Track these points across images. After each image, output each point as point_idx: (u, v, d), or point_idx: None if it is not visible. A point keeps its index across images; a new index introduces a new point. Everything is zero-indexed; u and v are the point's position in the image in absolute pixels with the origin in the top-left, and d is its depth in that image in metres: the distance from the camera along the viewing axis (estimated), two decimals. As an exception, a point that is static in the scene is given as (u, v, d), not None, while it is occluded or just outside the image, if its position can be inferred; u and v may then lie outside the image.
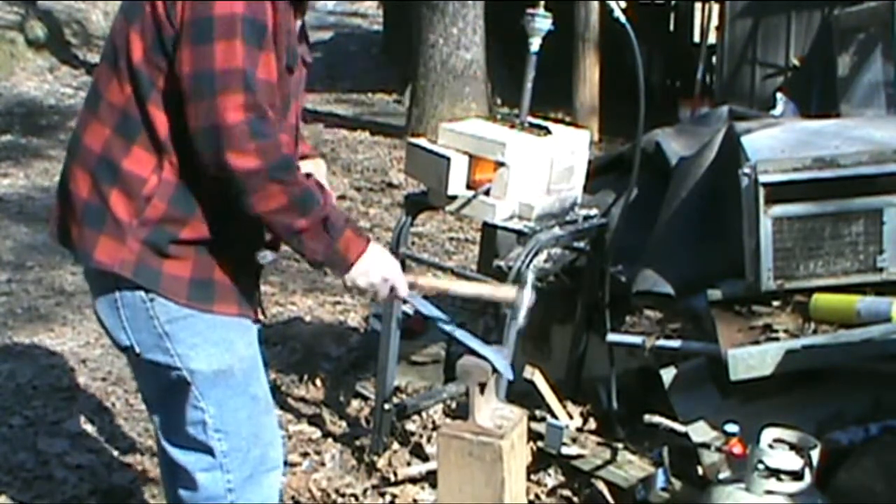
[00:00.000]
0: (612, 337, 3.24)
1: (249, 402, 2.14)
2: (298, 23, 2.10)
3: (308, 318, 4.81)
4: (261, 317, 2.23)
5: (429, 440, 3.39)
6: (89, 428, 3.67)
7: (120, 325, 2.06)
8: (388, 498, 3.18)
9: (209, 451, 2.12)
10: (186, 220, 1.99)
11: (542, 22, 3.14)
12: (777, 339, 2.81)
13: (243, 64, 1.87)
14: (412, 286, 2.20)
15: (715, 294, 3.11)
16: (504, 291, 2.41)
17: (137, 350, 2.07)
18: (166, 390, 2.13)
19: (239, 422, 2.12)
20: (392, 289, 2.12)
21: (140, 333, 2.05)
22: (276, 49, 1.95)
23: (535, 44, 3.17)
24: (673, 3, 11.31)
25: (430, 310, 2.34)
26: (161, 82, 1.94)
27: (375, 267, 2.08)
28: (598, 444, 3.13)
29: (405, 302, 2.30)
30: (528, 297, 2.31)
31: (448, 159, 3.01)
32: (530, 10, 3.15)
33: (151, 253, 1.98)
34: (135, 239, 1.97)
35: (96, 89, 2.05)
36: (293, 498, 3.20)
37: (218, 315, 2.05)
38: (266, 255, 2.13)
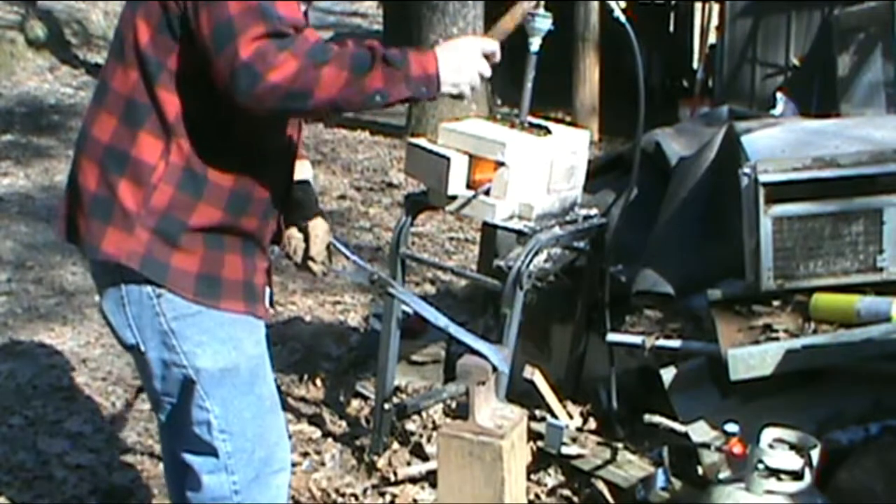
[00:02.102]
0: (612, 337, 3.24)
1: (255, 402, 2.12)
2: (303, 6, 2.10)
3: (308, 318, 4.81)
4: (270, 313, 2.22)
5: (429, 440, 3.39)
6: (89, 428, 3.67)
7: (126, 323, 2.05)
8: (388, 498, 3.18)
9: (214, 452, 2.10)
10: (195, 205, 1.97)
11: (542, 22, 3.13)
12: (777, 339, 2.81)
13: (257, 1, 1.85)
14: (495, 36, 2.25)
15: (715, 294, 3.11)
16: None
17: (143, 348, 2.06)
18: (171, 389, 2.11)
19: (244, 422, 2.11)
20: (480, 70, 2.10)
21: (145, 331, 2.04)
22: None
23: (535, 44, 3.16)
24: (673, 3, 11.30)
25: (424, 308, 2.34)
26: (169, 63, 1.93)
27: (456, 62, 2.05)
28: (598, 443, 3.13)
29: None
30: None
31: (448, 159, 3.01)
32: (530, 11, 3.15)
33: (160, 243, 1.97)
34: (143, 228, 1.96)
35: (104, 82, 2.05)
36: (293, 498, 3.20)
37: (225, 312, 2.04)
38: (273, 250, 2.14)
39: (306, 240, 2.28)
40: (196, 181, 1.97)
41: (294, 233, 2.29)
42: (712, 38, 9.17)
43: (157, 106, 1.95)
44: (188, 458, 2.15)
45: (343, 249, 2.33)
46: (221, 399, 2.08)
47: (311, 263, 2.30)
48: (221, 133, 1.97)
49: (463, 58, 2.07)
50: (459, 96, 2.09)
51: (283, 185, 2.17)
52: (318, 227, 2.28)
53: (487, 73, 2.12)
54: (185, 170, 1.97)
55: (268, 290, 2.18)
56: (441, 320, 2.29)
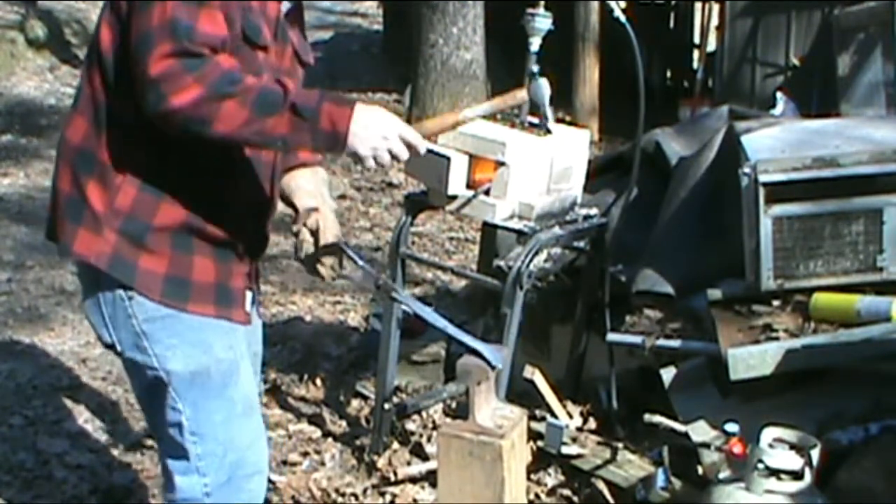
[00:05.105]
0: (612, 337, 3.24)
1: (226, 406, 2.11)
2: (283, 5, 2.08)
3: (308, 318, 4.81)
4: (255, 319, 2.21)
5: (429, 440, 3.39)
6: (89, 428, 3.67)
7: (102, 323, 2.06)
8: (388, 498, 3.18)
9: (185, 454, 2.11)
10: (157, 205, 1.98)
11: (542, 22, 3.14)
12: (777, 338, 2.81)
13: (173, 14, 1.84)
14: (423, 134, 2.04)
15: (715, 294, 3.11)
16: (515, 94, 2.25)
17: (119, 348, 2.08)
18: (147, 390, 2.12)
19: (214, 425, 2.10)
20: (395, 149, 1.97)
21: (120, 332, 2.05)
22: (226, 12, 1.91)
23: (535, 44, 3.17)
24: (673, 2, 11.30)
25: (429, 314, 2.34)
26: (124, 67, 1.93)
27: (370, 129, 1.93)
28: (598, 443, 3.13)
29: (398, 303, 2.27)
30: (545, 89, 2.17)
31: (448, 159, 3.01)
32: (530, 10, 3.15)
33: (127, 244, 1.98)
34: (110, 229, 1.97)
35: (79, 85, 2.07)
36: (293, 498, 3.21)
37: (194, 315, 2.04)
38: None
39: (316, 243, 2.27)
40: (157, 183, 1.98)
41: (305, 235, 2.28)
42: (712, 44, 9.14)
43: (117, 109, 1.97)
44: (166, 458, 2.16)
45: (352, 254, 2.32)
46: (192, 402, 2.08)
47: (319, 267, 2.30)
48: (177, 136, 1.94)
49: (378, 128, 1.95)
50: (361, 161, 1.97)
51: (256, 192, 2.15)
52: (329, 231, 2.28)
53: (403, 155, 1.99)
54: (147, 172, 1.98)
55: (249, 293, 2.17)
56: (440, 322, 2.29)
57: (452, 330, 2.26)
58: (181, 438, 2.10)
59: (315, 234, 2.27)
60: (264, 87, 1.91)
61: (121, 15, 1.94)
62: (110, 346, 2.10)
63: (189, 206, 2.00)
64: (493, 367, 2.16)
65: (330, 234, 2.27)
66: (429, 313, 2.33)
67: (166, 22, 1.83)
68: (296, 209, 2.28)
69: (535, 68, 2.83)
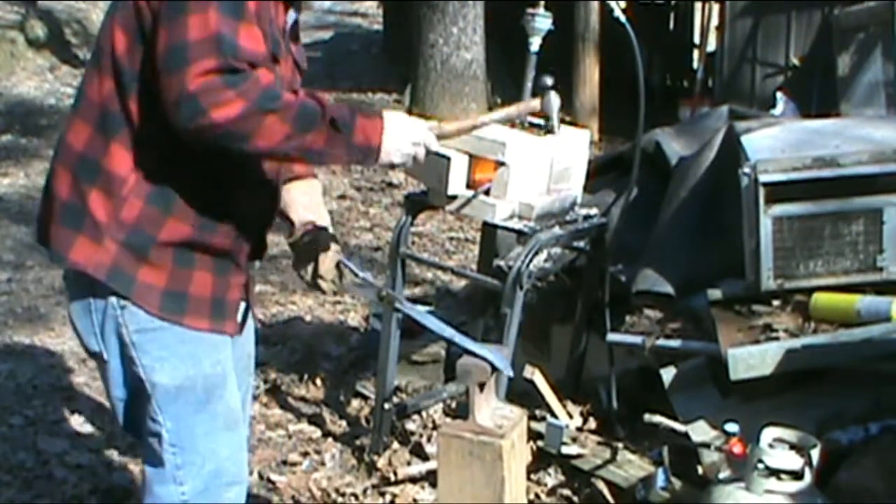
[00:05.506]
0: (612, 337, 3.24)
1: (208, 420, 2.10)
2: (289, 17, 2.08)
3: (308, 318, 4.81)
4: (248, 320, 2.21)
5: (429, 440, 3.39)
6: (89, 428, 3.67)
7: (91, 330, 2.05)
8: (388, 497, 3.18)
9: (163, 463, 2.10)
10: (164, 220, 1.96)
11: (542, 22, 3.14)
12: (777, 338, 2.81)
13: (218, 29, 1.81)
14: (441, 136, 2.22)
15: (715, 294, 3.11)
16: (529, 103, 2.55)
17: (105, 357, 2.06)
18: (130, 399, 2.12)
19: (195, 438, 2.09)
20: (419, 154, 2.13)
21: (109, 340, 2.04)
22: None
23: (535, 44, 3.17)
24: (673, 3, 11.31)
25: (424, 317, 2.34)
26: (142, 74, 1.91)
27: (401, 138, 2.06)
28: (598, 443, 3.13)
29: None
30: (556, 102, 2.50)
31: (448, 159, 3.01)
32: (530, 10, 3.15)
33: (128, 256, 1.96)
34: (112, 240, 1.95)
35: (81, 88, 2.04)
36: (293, 498, 3.21)
37: (187, 329, 2.03)
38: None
39: (316, 258, 2.27)
40: (165, 196, 1.96)
41: (304, 249, 2.28)
42: (712, 44, 9.14)
43: (129, 117, 1.94)
44: (144, 463, 2.16)
45: (352, 267, 2.32)
46: (174, 414, 2.07)
47: (320, 281, 2.30)
48: (191, 149, 1.92)
49: (407, 138, 2.08)
50: (391, 167, 2.13)
51: (261, 204, 2.15)
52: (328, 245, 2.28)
53: (421, 159, 2.15)
54: (155, 184, 1.95)
55: (243, 304, 2.16)
56: (447, 331, 2.29)
57: (460, 339, 2.25)
58: (159, 448, 2.09)
59: (313, 247, 2.26)
60: (303, 102, 1.92)
61: (142, 18, 1.89)
62: (95, 355, 2.09)
63: (195, 221, 1.98)
64: (495, 371, 2.16)
65: (329, 247, 2.27)
66: (433, 322, 2.33)
67: (211, 36, 1.81)
68: (291, 222, 2.28)
69: (550, 81, 2.94)
